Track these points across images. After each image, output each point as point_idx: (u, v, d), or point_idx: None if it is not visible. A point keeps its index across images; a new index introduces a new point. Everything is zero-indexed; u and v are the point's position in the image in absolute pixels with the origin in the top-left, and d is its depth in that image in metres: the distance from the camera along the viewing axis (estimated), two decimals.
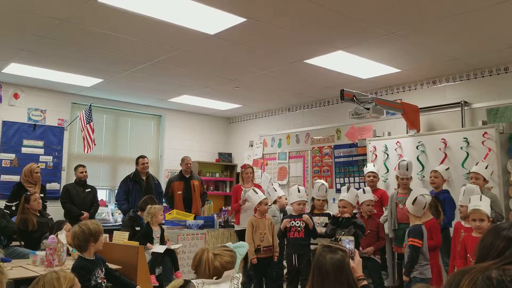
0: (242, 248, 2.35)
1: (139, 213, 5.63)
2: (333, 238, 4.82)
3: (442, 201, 4.91)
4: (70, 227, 4.60)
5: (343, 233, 4.60)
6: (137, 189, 6.78)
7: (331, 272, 2.07)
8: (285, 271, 6.02)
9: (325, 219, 5.41)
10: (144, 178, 6.93)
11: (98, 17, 4.39)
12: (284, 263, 5.84)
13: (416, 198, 4.24)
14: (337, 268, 2.08)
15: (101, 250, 3.63)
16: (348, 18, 4.27)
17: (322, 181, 5.54)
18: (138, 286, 3.51)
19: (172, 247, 5.13)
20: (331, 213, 5.44)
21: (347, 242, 2.73)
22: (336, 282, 2.06)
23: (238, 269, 2.26)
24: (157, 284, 4.67)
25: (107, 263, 3.70)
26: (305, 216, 5.01)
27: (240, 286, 2.02)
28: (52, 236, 3.98)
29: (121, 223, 7.04)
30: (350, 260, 2.25)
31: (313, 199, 5.57)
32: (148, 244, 4.99)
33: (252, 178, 6.67)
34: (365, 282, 2.51)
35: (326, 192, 5.41)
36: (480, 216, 3.78)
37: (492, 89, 5.65)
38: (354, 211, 5.06)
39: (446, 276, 4.54)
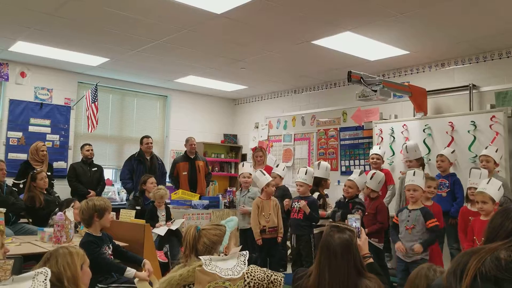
0: (231, 222, 2.43)
1: (146, 194, 5.70)
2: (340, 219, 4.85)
3: (451, 184, 4.91)
4: (79, 205, 4.66)
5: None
6: (141, 168, 6.81)
7: (339, 252, 2.07)
8: (289, 251, 6.09)
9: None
10: (148, 158, 6.96)
11: None
12: (288, 243, 5.90)
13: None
14: (345, 248, 2.08)
15: (108, 228, 3.66)
16: None
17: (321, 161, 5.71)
18: (145, 259, 3.55)
19: (173, 227, 5.16)
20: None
21: (354, 220, 2.74)
22: (343, 261, 2.07)
23: (228, 241, 2.33)
24: (166, 260, 4.75)
25: (114, 241, 3.74)
26: (302, 203, 5.03)
27: (246, 262, 2.05)
28: (60, 213, 4.02)
29: (126, 202, 7.13)
30: (357, 238, 2.26)
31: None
32: (157, 224, 5.09)
33: (264, 161, 6.66)
34: (371, 260, 2.53)
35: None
36: (483, 198, 3.81)
37: (501, 72, 5.59)
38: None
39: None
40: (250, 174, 5.64)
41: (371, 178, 4.93)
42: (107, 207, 3.55)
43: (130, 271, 3.36)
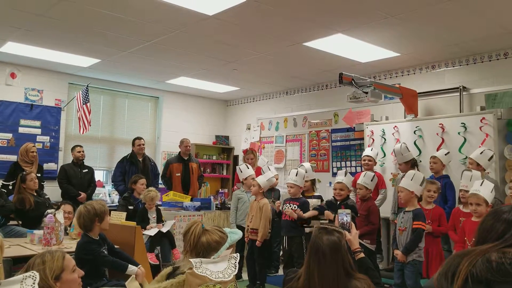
0: (234, 235, 2.32)
1: (134, 194, 5.67)
2: (327, 221, 4.85)
3: (443, 186, 4.93)
4: (70, 209, 4.62)
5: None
6: (134, 170, 6.77)
7: (328, 254, 2.07)
8: (281, 253, 6.08)
9: (317, 201, 5.45)
10: (140, 159, 6.92)
11: None
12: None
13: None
14: (334, 250, 2.08)
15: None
16: (348, 0, 4.23)
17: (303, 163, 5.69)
18: (140, 265, 3.52)
19: (164, 229, 5.12)
20: (321, 195, 5.52)
21: (344, 215, 2.74)
22: (332, 263, 2.06)
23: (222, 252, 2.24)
24: (157, 262, 4.72)
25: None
26: (289, 211, 5.01)
27: (237, 265, 2.03)
28: (50, 215, 3.98)
29: (117, 203, 7.08)
30: (347, 232, 2.25)
31: None
32: (148, 226, 5.05)
33: (255, 163, 6.66)
34: (362, 255, 2.52)
35: (312, 172, 5.52)
36: (477, 200, 3.82)
37: (491, 74, 5.64)
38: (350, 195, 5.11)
39: None
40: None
41: (371, 180, 4.91)
42: (106, 210, 3.56)
43: (132, 268, 3.42)
